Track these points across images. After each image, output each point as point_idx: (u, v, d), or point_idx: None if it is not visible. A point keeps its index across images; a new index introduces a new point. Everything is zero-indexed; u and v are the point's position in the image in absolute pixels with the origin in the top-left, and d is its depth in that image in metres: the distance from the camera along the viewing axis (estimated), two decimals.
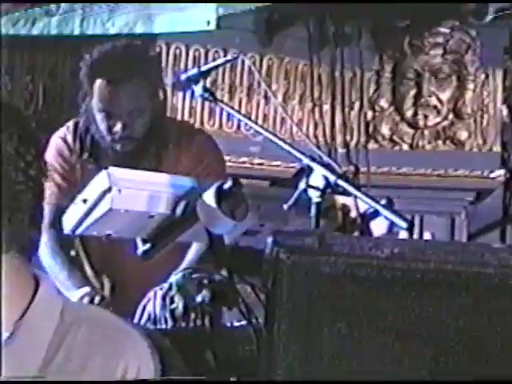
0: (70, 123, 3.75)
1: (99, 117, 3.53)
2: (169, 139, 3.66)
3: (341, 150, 5.67)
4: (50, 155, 3.58)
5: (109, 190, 2.82)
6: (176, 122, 4.01)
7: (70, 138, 3.67)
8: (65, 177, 3.63)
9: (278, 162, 5.30)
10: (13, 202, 1.43)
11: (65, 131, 3.72)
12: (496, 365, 1.67)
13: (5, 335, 1.47)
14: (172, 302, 2.93)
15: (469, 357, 1.67)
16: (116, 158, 3.54)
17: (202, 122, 5.41)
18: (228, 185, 2.88)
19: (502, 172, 5.84)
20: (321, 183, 3.03)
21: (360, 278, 1.68)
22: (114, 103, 3.49)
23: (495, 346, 1.67)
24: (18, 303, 1.51)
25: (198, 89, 3.42)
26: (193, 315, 2.87)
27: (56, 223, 3.17)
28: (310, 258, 1.70)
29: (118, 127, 3.50)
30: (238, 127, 5.49)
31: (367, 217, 3.17)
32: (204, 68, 3.53)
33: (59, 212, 3.21)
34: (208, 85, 3.51)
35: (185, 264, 3.52)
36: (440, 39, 5.87)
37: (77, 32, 4.96)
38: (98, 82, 3.50)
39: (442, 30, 5.87)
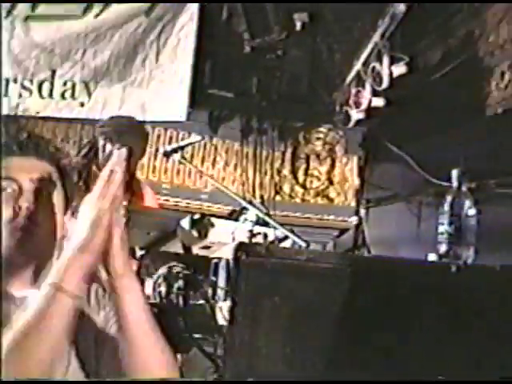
0: None
1: None
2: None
3: (258, 200, 5.64)
4: None
5: None
6: None
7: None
8: None
9: (219, 205, 5.26)
10: None
11: None
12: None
13: None
14: (159, 286, 2.99)
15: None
16: None
17: (172, 178, 5.42)
18: (197, 216, 2.98)
19: (355, 218, 5.90)
20: (253, 218, 3.15)
21: (288, 271, 1.80)
22: None
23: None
24: None
25: (177, 156, 3.51)
26: (172, 295, 2.94)
27: None
28: (259, 259, 1.82)
29: None
30: (194, 183, 5.54)
31: (279, 239, 3.28)
32: (182, 144, 3.62)
33: None
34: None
35: None
36: (321, 135, 5.96)
37: (98, 117, 4.97)
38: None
39: (322, 129, 5.96)
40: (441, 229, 1.86)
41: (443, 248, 1.85)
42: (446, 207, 1.86)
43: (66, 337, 1.29)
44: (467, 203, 1.87)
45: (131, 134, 3.34)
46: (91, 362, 1.45)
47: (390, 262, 1.73)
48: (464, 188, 1.87)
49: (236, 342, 1.81)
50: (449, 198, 1.87)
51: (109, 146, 3.28)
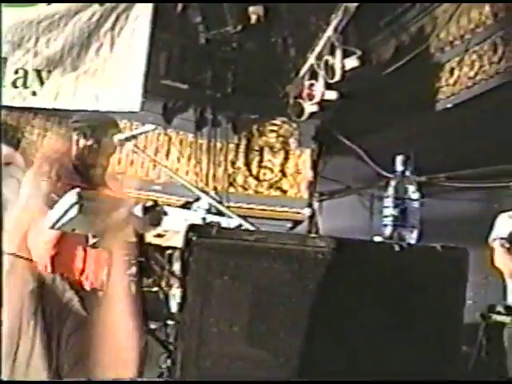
0: None
1: None
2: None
3: (212, 192, 5.64)
4: None
5: (76, 203, 2.88)
6: None
7: None
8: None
9: (173, 197, 5.28)
10: None
11: None
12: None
13: None
14: None
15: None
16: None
17: (125, 168, 5.42)
18: (150, 204, 3.01)
19: (308, 210, 6.00)
20: (206, 206, 3.19)
21: (238, 252, 1.85)
22: None
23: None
24: None
25: (130, 144, 3.50)
26: None
27: None
28: (210, 240, 1.87)
29: None
30: (147, 174, 5.54)
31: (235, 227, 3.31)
32: (135, 133, 3.61)
33: None
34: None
35: None
36: (275, 128, 6.05)
37: (50, 107, 4.94)
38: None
39: (276, 122, 6.05)
40: (386, 212, 1.94)
41: (388, 230, 1.94)
42: (391, 191, 1.94)
43: (31, 303, 1.33)
44: (411, 188, 1.95)
45: (104, 129, 3.37)
46: (54, 340, 1.49)
47: (335, 241, 1.80)
48: (408, 173, 1.96)
49: (187, 321, 1.85)
50: (393, 182, 1.96)
51: (82, 141, 3.32)
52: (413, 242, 1.92)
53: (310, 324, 1.78)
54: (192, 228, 1.89)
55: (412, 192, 1.96)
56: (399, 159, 1.99)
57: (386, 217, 1.94)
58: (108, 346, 1.38)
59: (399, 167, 1.98)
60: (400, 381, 1.82)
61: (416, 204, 1.94)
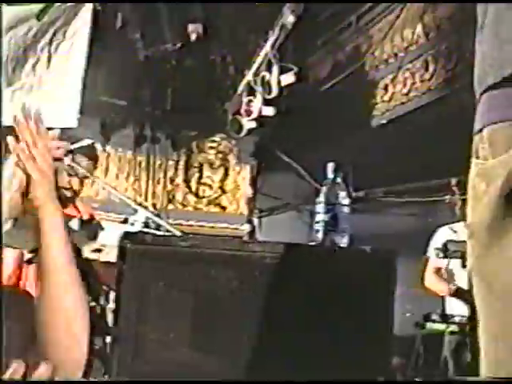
0: None
1: None
2: None
3: (151, 209, 5.60)
4: None
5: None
6: None
7: None
8: None
9: (111, 214, 5.17)
10: None
11: None
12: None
13: None
14: None
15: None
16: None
17: None
18: (86, 217, 3.02)
19: (247, 226, 6.06)
20: (143, 219, 3.21)
21: (173, 257, 1.88)
22: None
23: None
24: None
25: (67, 159, 3.50)
26: None
27: None
28: (144, 247, 1.90)
29: None
30: (85, 191, 5.48)
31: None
32: (72, 147, 3.61)
33: None
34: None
35: None
36: (214, 144, 6.11)
37: None
38: None
39: (216, 139, 6.11)
40: (317, 218, 2.01)
41: (320, 236, 2.00)
42: (322, 197, 2.01)
43: None
44: (342, 193, 2.03)
45: (81, 152, 3.35)
46: None
47: (265, 245, 1.85)
48: (339, 179, 2.03)
49: (122, 328, 1.87)
50: (324, 189, 2.03)
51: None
52: (344, 246, 1.99)
53: (251, 326, 1.82)
54: (126, 236, 1.92)
55: (342, 198, 2.03)
56: (330, 166, 2.06)
57: (318, 223, 2.00)
58: (57, 324, 1.33)
59: (330, 174, 2.05)
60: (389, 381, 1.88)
61: (347, 209, 2.02)
